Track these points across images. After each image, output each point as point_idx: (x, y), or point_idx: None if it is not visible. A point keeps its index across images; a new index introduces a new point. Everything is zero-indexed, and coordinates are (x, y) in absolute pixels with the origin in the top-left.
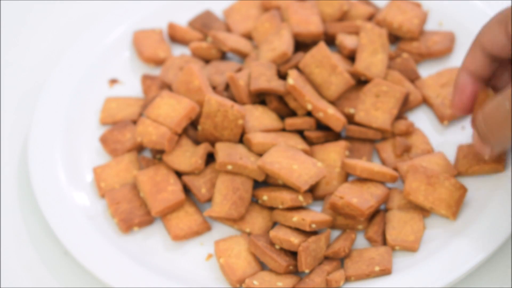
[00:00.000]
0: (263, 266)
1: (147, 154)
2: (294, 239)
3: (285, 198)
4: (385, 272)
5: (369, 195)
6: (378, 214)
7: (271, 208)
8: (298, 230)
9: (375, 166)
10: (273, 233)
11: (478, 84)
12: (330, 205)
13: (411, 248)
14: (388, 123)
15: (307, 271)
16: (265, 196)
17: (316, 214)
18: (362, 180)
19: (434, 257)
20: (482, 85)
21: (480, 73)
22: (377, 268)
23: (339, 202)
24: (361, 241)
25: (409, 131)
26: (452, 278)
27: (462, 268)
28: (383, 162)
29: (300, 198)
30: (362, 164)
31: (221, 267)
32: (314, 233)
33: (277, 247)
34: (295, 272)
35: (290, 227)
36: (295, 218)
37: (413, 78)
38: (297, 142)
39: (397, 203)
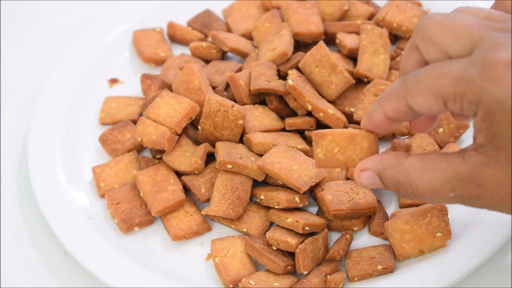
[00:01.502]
0: (258, 269)
1: (147, 154)
2: (291, 240)
3: (281, 198)
4: (388, 270)
5: (348, 200)
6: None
7: (268, 208)
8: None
9: None
10: (270, 234)
11: (394, 124)
12: (312, 193)
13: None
14: None
15: (305, 272)
16: (262, 195)
17: (310, 216)
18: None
19: (435, 257)
20: (398, 124)
21: (399, 119)
22: (379, 267)
23: (319, 193)
24: (361, 241)
25: (409, 132)
26: (453, 278)
27: (463, 268)
28: None
29: (297, 199)
30: None
31: (215, 266)
32: (311, 233)
33: (274, 248)
34: (293, 272)
35: (286, 228)
36: (290, 219)
37: None
38: (297, 142)
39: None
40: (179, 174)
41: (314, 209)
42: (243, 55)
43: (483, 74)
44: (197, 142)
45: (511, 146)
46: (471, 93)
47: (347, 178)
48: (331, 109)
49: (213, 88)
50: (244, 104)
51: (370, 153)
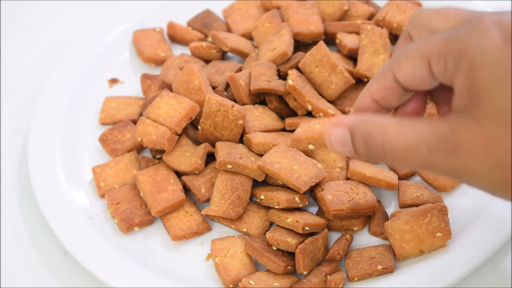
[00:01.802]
0: (258, 269)
1: (147, 154)
2: (291, 240)
3: (281, 198)
4: (388, 270)
5: (348, 200)
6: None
7: (268, 208)
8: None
9: (380, 173)
10: (270, 234)
11: (382, 111)
12: (312, 193)
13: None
14: None
15: (305, 272)
16: (262, 195)
17: (310, 216)
18: (361, 182)
19: (435, 257)
20: (386, 111)
21: (388, 103)
22: (379, 267)
23: (319, 193)
24: (361, 241)
25: None
26: (453, 278)
27: (463, 268)
28: None
29: (297, 199)
30: (370, 174)
31: (215, 266)
32: (311, 233)
33: (274, 248)
34: (293, 272)
35: (286, 228)
36: (290, 219)
37: None
38: None
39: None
40: (179, 174)
41: (314, 209)
42: (243, 55)
43: (469, 29)
44: (197, 142)
45: (491, 101)
46: (455, 47)
47: (347, 178)
48: (331, 109)
49: (213, 88)
50: (244, 104)
51: None
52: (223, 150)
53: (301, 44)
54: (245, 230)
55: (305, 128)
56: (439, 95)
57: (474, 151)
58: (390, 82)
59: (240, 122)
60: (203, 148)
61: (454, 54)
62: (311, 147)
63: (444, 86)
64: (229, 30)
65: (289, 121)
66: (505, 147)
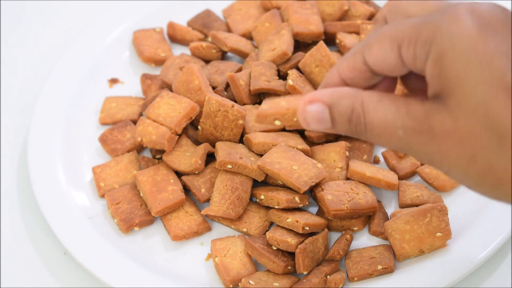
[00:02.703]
0: (258, 269)
1: (147, 154)
2: (291, 240)
3: (281, 198)
4: (388, 270)
5: (348, 200)
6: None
7: (268, 208)
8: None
9: (380, 173)
10: (270, 234)
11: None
12: (312, 193)
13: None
14: None
15: (305, 272)
16: (262, 195)
17: (310, 216)
18: (361, 182)
19: (435, 257)
20: None
21: (355, 84)
22: (379, 267)
23: (319, 193)
24: (361, 241)
25: None
26: (453, 278)
27: (463, 268)
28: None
29: (297, 199)
30: (370, 174)
31: (215, 266)
32: (311, 233)
33: (274, 248)
34: (293, 272)
35: (286, 228)
36: (290, 219)
37: None
38: (297, 142)
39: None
40: (179, 174)
41: (314, 209)
42: (243, 55)
43: (442, 16)
44: (197, 142)
45: (463, 91)
46: (426, 32)
47: (347, 178)
48: None
49: (213, 88)
50: (244, 104)
51: None
52: (223, 150)
53: (301, 44)
54: (245, 230)
55: (269, 104)
56: (415, 85)
57: (449, 140)
58: (359, 64)
59: (240, 122)
60: (203, 148)
61: (424, 40)
62: (277, 123)
63: (420, 76)
64: (229, 30)
65: None
66: (480, 141)
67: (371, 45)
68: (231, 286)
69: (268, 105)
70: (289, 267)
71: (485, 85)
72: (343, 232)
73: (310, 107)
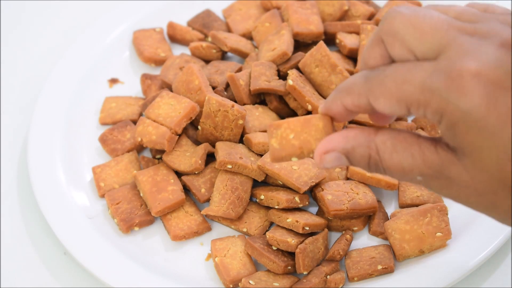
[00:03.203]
0: (258, 269)
1: (147, 154)
2: (291, 240)
3: (281, 198)
4: (388, 270)
5: (348, 200)
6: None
7: (268, 208)
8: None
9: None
10: (270, 234)
11: (352, 114)
12: (312, 193)
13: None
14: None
15: (305, 272)
16: (262, 195)
17: (310, 216)
18: (361, 182)
19: (435, 257)
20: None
21: (360, 113)
22: (379, 267)
23: (319, 193)
24: (361, 241)
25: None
26: (453, 278)
27: (463, 268)
28: None
29: (297, 199)
30: (370, 174)
31: (215, 266)
32: (311, 233)
33: (274, 248)
34: (293, 272)
35: (286, 228)
36: (290, 219)
37: None
38: None
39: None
40: (179, 174)
41: (314, 209)
42: (243, 55)
43: (448, 85)
44: (197, 142)
45: (476, 156)
46: (435, 103)
47: (347, 178)
48: None
49: (213, 88)
50: (244, 104)
51: (325, 133)
52: (223, 150)
53: (301, 44)
54: (245, 230)
55: (279, 141)
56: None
57: (468, 190)
58: (365, 105)
59: (240, 122)
60: (203, 148)
61: (434, 109)
62: (294, 159)
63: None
64: (229, 30)
65: None
66: (498, 196)
67: (377, 97)
68: (231, 286)
69: (277, 142)
70: (289, 267)
71: (497, 151)
72: (343, 232)
73: (327, 157)
